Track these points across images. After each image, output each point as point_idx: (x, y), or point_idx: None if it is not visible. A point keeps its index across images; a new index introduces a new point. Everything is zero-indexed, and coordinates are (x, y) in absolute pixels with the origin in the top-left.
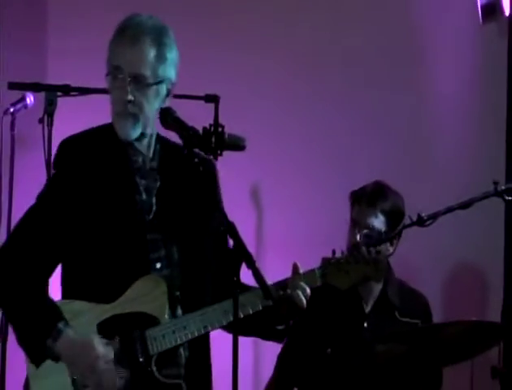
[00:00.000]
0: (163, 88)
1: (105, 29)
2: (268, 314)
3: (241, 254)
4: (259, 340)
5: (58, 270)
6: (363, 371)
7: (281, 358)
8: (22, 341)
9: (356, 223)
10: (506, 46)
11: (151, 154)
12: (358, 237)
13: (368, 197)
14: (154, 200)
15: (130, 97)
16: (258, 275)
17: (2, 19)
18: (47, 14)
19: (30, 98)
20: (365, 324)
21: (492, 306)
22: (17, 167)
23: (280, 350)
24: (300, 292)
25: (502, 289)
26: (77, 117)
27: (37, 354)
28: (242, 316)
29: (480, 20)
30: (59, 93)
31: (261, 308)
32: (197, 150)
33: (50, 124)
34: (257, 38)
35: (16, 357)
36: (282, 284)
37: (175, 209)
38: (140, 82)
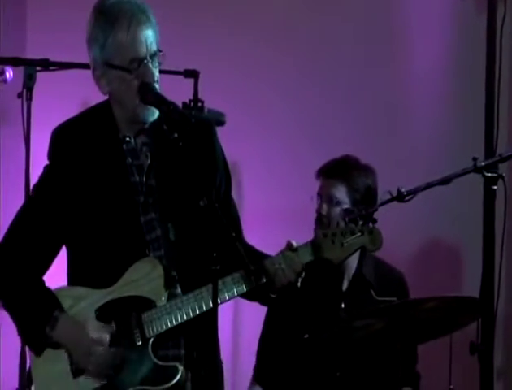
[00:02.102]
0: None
1: (84, 3)
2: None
3: (222, 231)
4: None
5: (62, 258)
6: (341, 351)
7: (261, 346)
8: (22, 332)
9: (320, 195)
10: (485, 22)
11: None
12: (324, 210)
13: (329, 169)
14: (144, 179)
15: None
16: (238, 252)
17: None
18: None
19: (9, 73)
20: (342, 304)
21: (468, 281)
22: None
23: (259, 339)
24: (287, 268)
25: (481, 265)
26: (56, 91)
27: (38, 343)
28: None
29: None
30: (38, 68)
31: (253, 285)
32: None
33: (30, 99)
34: (236, 13)
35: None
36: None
37: (167, 185)
38: (155, 59)
